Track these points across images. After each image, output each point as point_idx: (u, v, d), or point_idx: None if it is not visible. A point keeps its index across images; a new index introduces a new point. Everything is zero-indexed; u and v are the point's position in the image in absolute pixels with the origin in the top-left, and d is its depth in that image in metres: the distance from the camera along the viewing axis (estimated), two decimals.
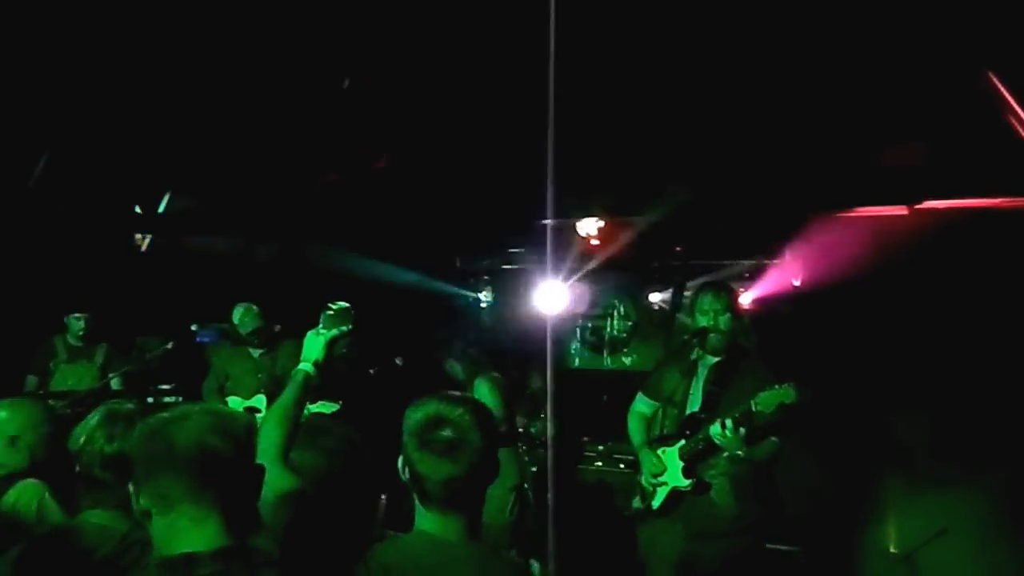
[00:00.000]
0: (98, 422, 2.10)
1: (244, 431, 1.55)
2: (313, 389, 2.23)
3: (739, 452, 3.25)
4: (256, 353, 5.00)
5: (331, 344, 2.25)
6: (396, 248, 7.15)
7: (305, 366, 2.20)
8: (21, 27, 4.57)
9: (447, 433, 1.65)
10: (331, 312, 2.24)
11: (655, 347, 7.42)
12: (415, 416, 1.70)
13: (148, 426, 1.50)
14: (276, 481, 1.84)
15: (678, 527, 3.52)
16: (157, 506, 1.44)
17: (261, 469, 1.59)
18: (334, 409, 4.75)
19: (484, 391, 4.56)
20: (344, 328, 2.25)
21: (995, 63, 4.60)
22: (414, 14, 4.94)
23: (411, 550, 1.67)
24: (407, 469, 1.70)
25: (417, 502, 1.71)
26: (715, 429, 3.24)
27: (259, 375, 4.94)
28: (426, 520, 1.69)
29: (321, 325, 2.26)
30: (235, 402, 4.92)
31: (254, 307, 5.00)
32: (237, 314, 5.00)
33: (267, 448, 1.89)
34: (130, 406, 2.20)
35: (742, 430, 3.19)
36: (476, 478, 1.68)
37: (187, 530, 1.42)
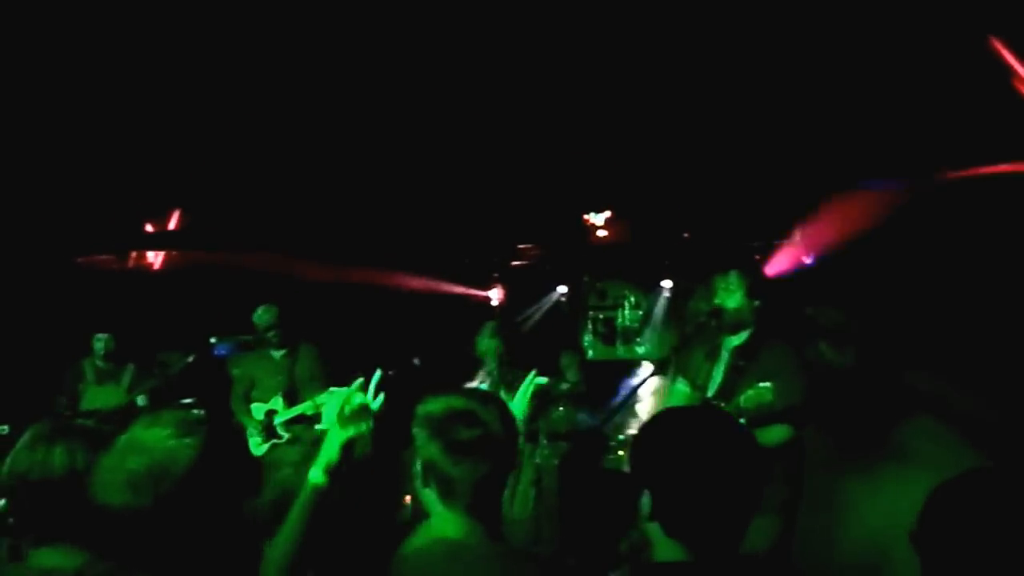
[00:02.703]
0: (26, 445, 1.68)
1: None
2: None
3: None
4: (277, 355, 5.05)
5: (348, 447, 1.74)
6: (406, 250, 7.20)
7: (316, 476, 1.68)
8: (36, 47, 4.62)
9: (477, 431, 1.57)
10: (346, 411, 1.75)
11: (668, 335, 7.43)
12: (437, 413, 1.59)
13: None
14: None
15: None
16: None
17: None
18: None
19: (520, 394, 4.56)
20: (363, 428, 1.77)
21: (1000, 31, 4.58)
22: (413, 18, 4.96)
23: (435, 560, 1.56)
24: (430, 472, 1.58)
25: (437, 504, 1.60)
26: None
27: (279, 376, 4.98)
28: (447, 523, 1.59)
29: (334, 423, 1.77)
30: (257, 407, 4.99)
31: (273, 307, 5.06)
32: (256, 314, 5.08)
33: (273, 564, 1.67)
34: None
35: (741, 421, 3.18)
36: (503, 475, 1.63)
37: None
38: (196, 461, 1.38)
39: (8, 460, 1.64)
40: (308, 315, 5.27)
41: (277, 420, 4.89)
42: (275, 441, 4.88)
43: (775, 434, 3.32)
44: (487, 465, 1.57)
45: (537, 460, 4.97)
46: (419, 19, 4.93)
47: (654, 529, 1.45)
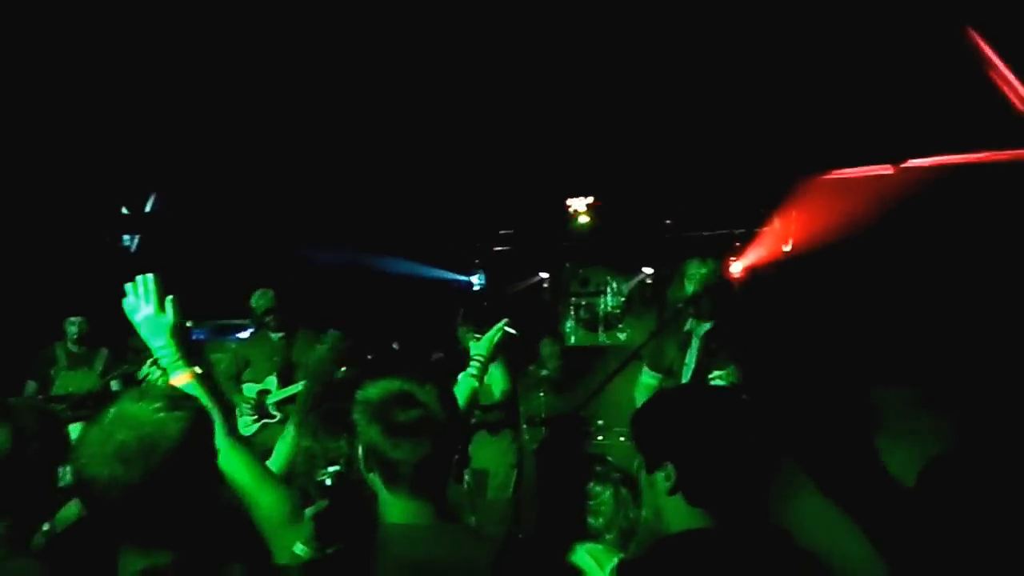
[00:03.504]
0: None
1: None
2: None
3: None
4: (275, 337, 5.09)
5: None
6: (389, 236, 7.16)
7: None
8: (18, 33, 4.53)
9: (416, 412, 1.56)
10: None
11: (649, 322, 7.47)
12: (374, 398, 1.59)
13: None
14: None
15: None
16: None
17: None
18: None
19: (496, 372, 4.57)
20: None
21: (975, 21, 4.61)
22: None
23: (388, 543, 1.55)
24: (372, 457, 1.57)
25: (382, 490, 1.59)
26: None
27: (274, 358, 5.02)
28: (393, 507, 1.58)
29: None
30: (249, 387, 5.01)
31: (270, 291, 5.11)
32: (254, 298, 5.11)
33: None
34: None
35: None
36: (446, 456, 1.61)
37: None
38: (186, 435, 1.35)
39: None
40: (287, 298, 5.24)
41: (270, 400, 4.91)
42: (266, 421, 4.88)
43: None
44: (427, 446, 1.55)
45: (520, 445, 4.99)
46: (403, 5, 4.89)
47: (671, 503, 1.50)
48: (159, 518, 1.32)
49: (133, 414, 1.33)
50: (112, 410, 1.35)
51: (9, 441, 1.65)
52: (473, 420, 4.66)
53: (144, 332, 1.98)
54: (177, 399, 1.41)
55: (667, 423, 1.58)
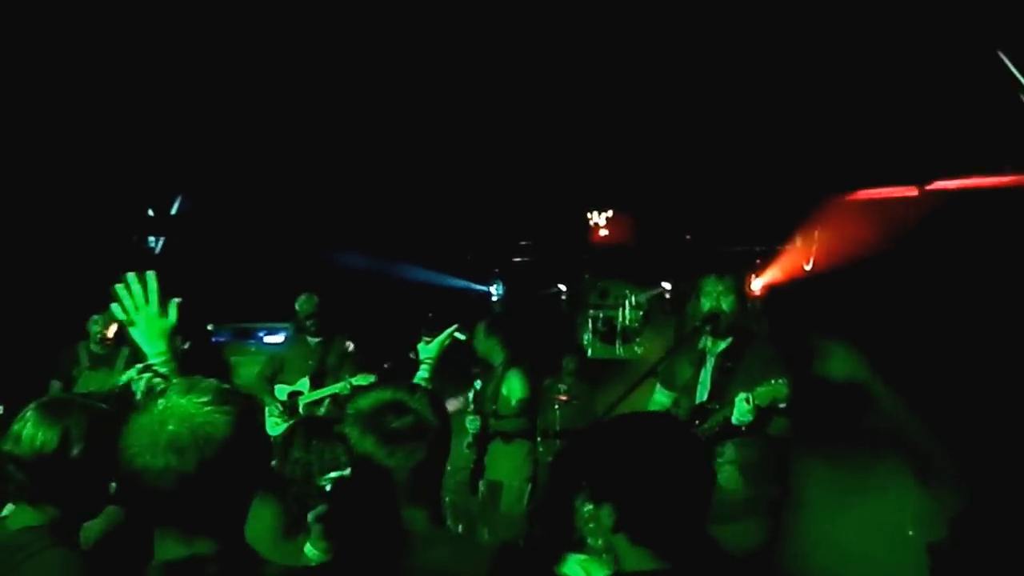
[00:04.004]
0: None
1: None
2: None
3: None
4: (313, 341, 5.23)
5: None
6: (408, 245, 7.20)
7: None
8: (32, 32, 4.62)
9: (409, 419, 1.58)
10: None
11: (667, 337, 7.43)
12: (366, 408, 1.60)
13: None
14: None
15: None
16: None
17: None
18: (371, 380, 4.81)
19: (516, 383, 4.56)
20: None
21: (1005, 43, 4.57)
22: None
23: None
24: (364, 466, 1.59)
25: None
26: (741, 406, 3.18)
27: (309, 361, 5.16)
28: None
29: None
30: (280, 388, 5.14)
31: (315, 296, 5.25)
32: (299, 301, 5.25)
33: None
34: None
35: (746, 418, 3.19)
36: (439, 462, 1.64)
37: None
38: (236, 428, 1.36)
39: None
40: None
41: (302, 400, 5.02)
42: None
43: (777, 425, 3.33)
44: (422, 451, 1.57)
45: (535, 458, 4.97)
46: (428, 15, 4.93)
47: (618, 540, 1.45)
48: (207, 508, 1.34)
49: (183, 407, 1.35)
50: (160, 402, 1.37)
51: (56, 441, 1.75)
52: (489, 428, 4.70)
53: (139, 335, 1.91)
54: (225, 393, 1.42)
55: (604, 460, 1.52)
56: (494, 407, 4.61)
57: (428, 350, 2.62)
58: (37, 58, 4.85)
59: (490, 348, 4.66)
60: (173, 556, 1.34)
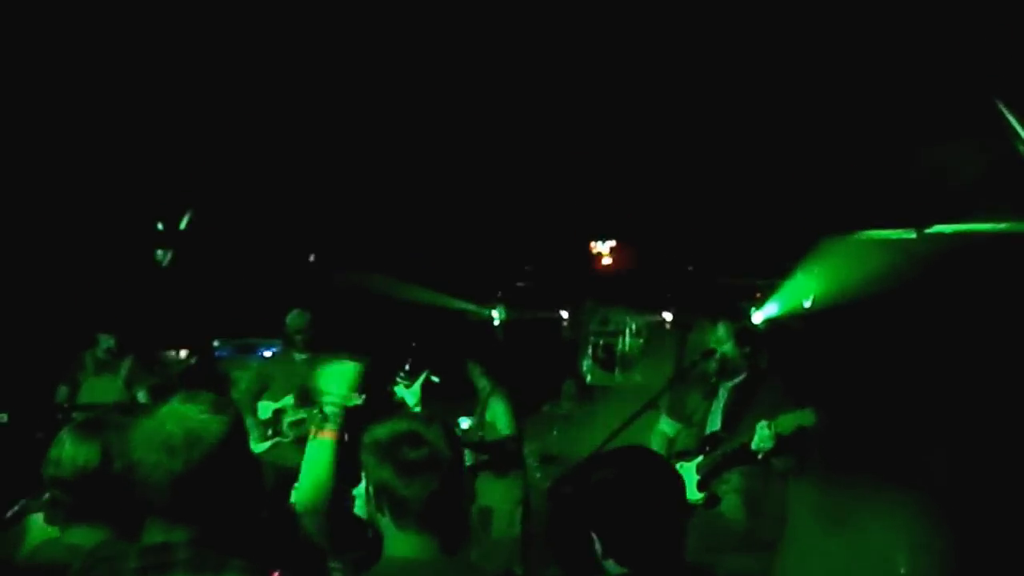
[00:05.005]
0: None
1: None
2: None
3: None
4: (299, 358, 5.12)
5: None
6: (414, 266, 7.27)
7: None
8: (38, 41, 4.67)
9: (425, 451, 1.65)
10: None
11: (666, 365, 7.47)
12: (384, 438, 1.68)
13: None
14: None
15: (689, 540, 3.55)
16: None
17: None
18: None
19: (500, 408, 4.64)
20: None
21: (1002, 90, 4.66)
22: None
23: None
24: (383, 495, 1.66)
25: (390, 527, 1.67)
26: (763, 432, 3.24)
27: (295, 379, 5.02)
28: (399, 542, 1.66)
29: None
30: (264, 406, 5.06)
31: (307, 313, 5.17)
32: (290, 317, 5.18)
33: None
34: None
35: (766, 445, 3.25)
36: (453, 492, 1.69)
37: None
38: (226, 436, 1.55)
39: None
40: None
41: (286, 419, 4.94)
42: (278, 440, 4.92)
43: (783, 463, 3.40)
44: (436, 482, 1.65)
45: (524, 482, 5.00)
46: (434, 38, 5.00)
47: (607, 565, 1.66)
48: (189, 502, 1.51)
49: (182, 412, 1.55)
50: (165, 407, 1.58)
51: (98, 458, 1.81)
52: (478, 459, 4.73)
53: (328, 377, 2.07)
54: (221, 403, 1.62)
55: (586, 499, 1.72)
56: (480, 434, 4.67)
57: (411, 397, 2.80)
58: (48, 73, 4.90)
59: (474, 377, 4.74)
60: (152, 539, 1.51)
